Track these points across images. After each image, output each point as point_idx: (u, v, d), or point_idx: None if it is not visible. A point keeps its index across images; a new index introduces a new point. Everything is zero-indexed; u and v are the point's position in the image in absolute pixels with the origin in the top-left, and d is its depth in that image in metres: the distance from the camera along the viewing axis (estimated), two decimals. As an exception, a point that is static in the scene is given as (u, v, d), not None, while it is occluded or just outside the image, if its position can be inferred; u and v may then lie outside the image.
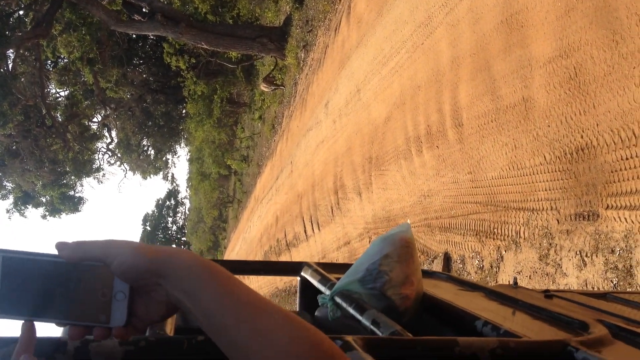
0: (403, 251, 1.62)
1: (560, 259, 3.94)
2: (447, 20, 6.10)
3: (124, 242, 0.82)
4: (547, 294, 1.87)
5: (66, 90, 25.38)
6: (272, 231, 18.62)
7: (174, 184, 62.12)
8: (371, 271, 1.60)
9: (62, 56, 22.80)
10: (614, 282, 3.45)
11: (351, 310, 1.51)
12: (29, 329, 0.81)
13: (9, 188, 23.48)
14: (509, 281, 2.95)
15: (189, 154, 47.30)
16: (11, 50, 18.11)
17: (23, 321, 0.81)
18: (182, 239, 62.99)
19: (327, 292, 1.71)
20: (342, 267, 2.17)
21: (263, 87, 19.11)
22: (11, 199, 23.82)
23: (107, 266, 0.80)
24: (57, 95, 26.26)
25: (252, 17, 22.03)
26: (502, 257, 4.75)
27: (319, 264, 2.15)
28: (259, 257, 20.58)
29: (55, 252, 0.81)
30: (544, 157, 4.16)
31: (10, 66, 18.85)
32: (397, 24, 7.72)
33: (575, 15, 3.89)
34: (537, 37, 4.34)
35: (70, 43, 19.55)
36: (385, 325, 1.34)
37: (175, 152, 41.32)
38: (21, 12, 20.06)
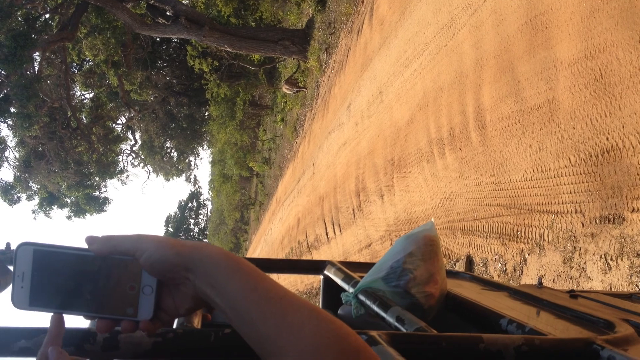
0: (427, 249, 1.62)
1: (585, 263, 3.90)
2: (470, 22, 6.07)
3: (152, 237, 0.83)
4: (572, 294, 1.86)
5: (91, 92, 25.71)
6: (293, 233, 18.65)
7: (197, 186, 62.65)
8: (395, 269, 1.60)
9: (87, 59, 23.10)
10: (640, 286, 3.41)
11: (375, 308, 1.52)
12: (58, 322, 0.83)
13: (35, 189, 23.79)
14: (532, 283, 2.93)
15: (211, 156, 47.67)
16: (37, 53, 18.36)
17: (52, 314, 0.83)
18: (204, 240, 63.35)
19: (351, 290, 1.72)
20: (365, 266, 2.18)
21: (285, 89, 19.17)
22: (37, 199, 24.13)
23: (135, 260, 0.82)
24: (82, 97, 26.62)
25: (275, 19, 22.12)
26: (525, 260, 4.72)
27: (342, 262, 2.16)
28: (283, 258, 20.58)
29: (85, 246, 0.83)
30: (569, 159, 4.12)
31: (36, 69, 19.11)
32: (419, 26, 7.70)
33: (601, 16, 3.86)
34: (562, 39, 4.30)
35: (96, 46, 19.80)
36: (409, 322, 1.34)
37: (197, 154, 41.64)
38: (47, 16, 20.34)
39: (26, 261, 0.80)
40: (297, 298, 0.78)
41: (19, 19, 17.30)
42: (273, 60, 21.86)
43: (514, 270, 4.87)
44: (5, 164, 21.63)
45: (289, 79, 18.80)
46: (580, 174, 3.99)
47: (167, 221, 67.14)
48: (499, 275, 5.12)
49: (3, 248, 1.51)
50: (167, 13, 16.70)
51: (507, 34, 5.20)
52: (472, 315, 1.54)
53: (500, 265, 5.13)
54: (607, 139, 3.72)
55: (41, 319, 0.88)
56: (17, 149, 22.20)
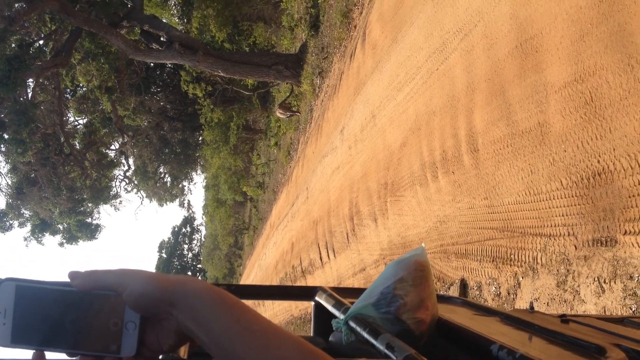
0: (418, 275, 1.60)
1: (578, 286, 3.88)
2: (461, 46, 6.13)
3: (135, 271, 0.82)
4: (564, 318, 1.84)
5: (84, 118, 25.75)
6: (287, 258, 18.59)
7: (190, 211, 62.49)
8: (385, 295, 1.59)
9: (80, 85, 23.18)
10: (633, 309, 3.39)
11: (365, 335, 1.50)
12: (39, 359, 0.82)
13: (27, 216, 23.70)
14: (525, 306, 2.91)
15: (205, 180, 47.66)
16: (31, 80, 18.41)
17: (34, 351, 0.81)
18: (198, 266, 63.08)
19: (341, 317, 1.70)
20: (356, 292, 2.16)
21: (279, 113, 19.25)
22: (29, 226, 24.03)
23: (118, 295, 0.80)
24: (76, 123, 26.64)
25: (268, 44, 22.30)
26: (519, 283, 4.70)
27: (333, 288, 2.14)
28: (274, 284, 20.50)
29: (68, 280, 0.82)
30: (561, 182, 4.13)
31: (30, 95, 19.15)
32: (411, 50, 7.76)
33: (590, 40, 3.89)
34: (552, 62, 4.34)
35: (89, 72, 19.87)
36: (399, 349, 1.32)
37: (191, 179, 41.66)
38: (41, 42, 20.44)
39: (8, 297, 0.79)
40: (281, 331, 0.78)
41: (13, 45, 17.38)
42: (267, 84, 21.99)
43: (508, 293, 4.85)
44: (-3, 190, 21.58)
45: (282, 104, 18.89)
46: (572, 196, 3.99)
47: (161, 247, 66.82)
48: (493, 299, 5.10)
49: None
50: (161, 39, 16.81)
51: (498, 58, 5.25)
52: (463, 341, 1.52)
53: (494, 288, 5.11)
54: (599, 161, 3.73)
55: (23, 355, 0.87)
56: (9, 175, 22.16)
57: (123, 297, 0.80)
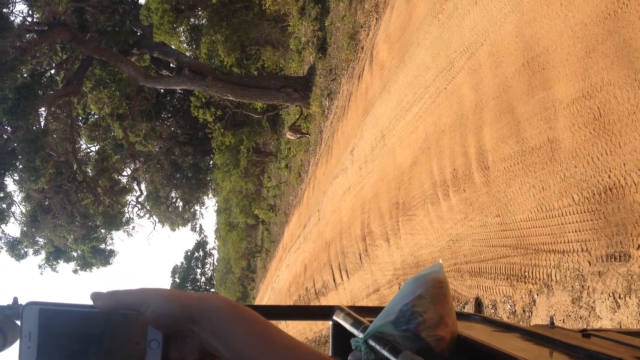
0: (436, 292, 1.63)
1: (594, 302, 3.87)
2: (468, 65, 6.17)
3: (156, 290, 0.83)
4: (585, 333, 1.85)
5: (96, 145, 25.95)
6: (300, 280, 18.53)
7: (202, 235, 62.50)
8: (404, 312, 1.61)
9: (92, 112, 23.41)
10: (651, 323, 3.39)
11: (385, 353, 1.51)
12: None
13: (41, 243, 23.79)
14: (544, 323, 2.91)
15: (216, 204, 47.74)
16: (43, 108, 18.61)
17: None
18: (211, 290, 62.86)
19: (360, 335, 1.71)
20: (374, 310, 2.18)
21: (289, 135, 19.33)
22: (43, 254, 24.10)
23: (140, 314, 0.82)
24: (88, 150, 26.86)
25: (277, 68, 22.46)
26: (534, 301, 4.69)
27: (351, 307, 2.16)
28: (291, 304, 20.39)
29: (90, 302, 0.83)
30: (572, 198, 4.14)
31: (42, 123, 19.34)
32: (419, 70, 7.82)
33: (596, 56, 3.93)
34: (559, 79, 4.37)
35: (101, 99, 20.08)
36: (420, 366, 1.34)
37: (203, 203, 41.77)
38: (53, 71, 20.69)
39: (32, 321, 0.80)
40: (302, 346, 0.79)
41: (25, 74, 17.60)
42: (276, 107, 22.11)
43: (524, 311, 4.83)
44: (12, 219, 21.69)
45: (292, 126, 18.97)
46: (585, 212, 4.00)
47: (174, 272, 66.75)
48: (508, 317, 5.08)
49: (10, 303, 1.52)
50: (171, 65, 17.00)
51: (505, 76, 5.29)
52: (484, 358, 1.53)
53: (509, 306, 5.10)
54: (609, 176, 3.75)
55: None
56: (23, 203, 22.30)
57: (145, 316, 0.81)
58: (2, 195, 18.10)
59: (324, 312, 2.30)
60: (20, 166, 17.56)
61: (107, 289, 0.85)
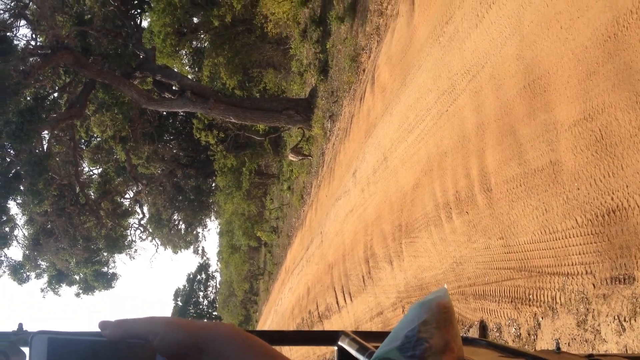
0: (441, 317, 1.62)
1: (599, 325, 3.85)
2: (470, 87, 6.21)
3: (163, 319, 0.83)
4: (592, 358, 1.84)
5: (99, 168, 26.03)
6: (303, 303, 18.46)
7: (205, 258, 62.28)
8: (410, 338, 1.60)
9: (95, 135, 23.51)
10: (657, 346, 3.37)
11: (392, 379, 1.50)
12: None
13: (44, 267, 23.74)
14: (548, 347, 2.90)
15: (219, 227, 47.68)
16: (46, 131, 18.70)
17: None
18: (214, 313, 62.52)
19: (366, 361, 1.70)
20: (379, 335, 2.17)
21: (291, 157, 19.38)
22: (45, 277, 24.05)
23: (148, 343, 0.81)
24: (91, 173, 26.93)
25: (279, 90, 22.59)
26: (539, 324, 4.67)
27: (355, 332, 2.15)
28: (295, 329, 20.30)
29: (98, 330, 0.83)
30: (576, 220, 4.14)
31: (45, 146, 19.43)
32: (420, 92, 7.86)
33: (597, 79, 3.96)
34: (561, 101, 4.40)
35: (103, 122, 20.18)
36: (426, 393, 1.33)
37: (205, 226, 41.66)
38: (55, 94, 20.83)
39: (41, 351, 0.80)
40: None
41: (28, 97, 17.71)
42: (278, 129, 22.20)
43: (529, 334, 4.81)
44: (15, 242, 21.68)
45: (294, 148, 19.04)
46: (588, 234, 3.99)
47: (176, 295, 66.41)
48: (513, 340, 5.05)
49: (15, 329, 1.52)
50: (173, 87, 17.11)
51: (507, 98, 5.31)
52: (489, 384, 1.53)
53: (514, 330, 5.07)
54: (612, 198, 3.75)
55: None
56: (26, 227, 22.30)
57: (153, 345, 0.81)
58: (5, 219, 18.09)
59: (329, 338, 2.29)
60: (23, 189, 17.59)
61: (115, 318, 0.85)
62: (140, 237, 31.72)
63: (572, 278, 4.18)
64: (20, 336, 1.47)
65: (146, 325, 0.82)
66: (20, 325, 1.49)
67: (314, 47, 16.62)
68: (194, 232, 40.47)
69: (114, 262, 26.85)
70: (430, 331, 1.61)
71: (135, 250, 29.60)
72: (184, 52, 23.58)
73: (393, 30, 9.77)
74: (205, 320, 0.85)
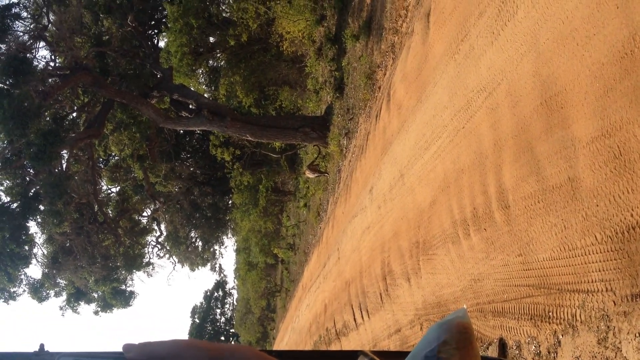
0: (461, 337, 1.62)
1: (620, 342, 3.81)
2: (486, 104, 6.21)
3: (187, 342, 0.85)
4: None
5: (117, 186, 26.26)
6: (321, 320, 18.39)
7: (222, 275, 62.39)
8: (429, 359, 1.61)
9: (113, 154, 23.75)
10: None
11: (412, 400, 1.51)
12: None
13: (62, 285, 23.91)
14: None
15: (235, 244, 47.76)
16: (65, 151, 18.92)
17: None
18: (231, 330, 62.47)
19: (386, 382, 1.71)
20: (398, 355, 2.17)
21: (307, 174, 19.43)
22: (64, 295, 24.20)
23: None
24: (109, 191, 27.16)
25: (294, 107, 22.70)
26: (559, 341, 4.62)
27: (374, 352, 2.15)
28: (308, 348, 20.22)
29: (121, 351, 0.85)
30: (595, 237, 4.11)
31: (64, 166, 19.65)
32: (436, 109, 7.87)
33: (615, 95, 3.95)
34: (578, 118, 4.39)
35: (121, 141, 20.40)
36: (447, 414, 1.33)
37: (222, 243, 41.77)
38: (74, 114, 21.10)
39: None
40: None
41: (48, 118, 17.96)
42: (294, 147, 22.29)
43: (548, 352, 4.76)
44: (34, 260, 21.87)
45: (310, 165, 19.09)
46: (608, 251, 3.96)
47: (194, 312, 66.48)
48: (533, 358, 5.00)
49: (37, 349, 1.53)
50: (190, 106, 17.28)
51: (524, 115, 5.31)
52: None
53: (534, 347, 5.02)
54: (632, 215, 3.72)
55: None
56: (45, 245, 22.51)
57: None
58: (24, 238, 18.27)
59: (348, 357, 2.29)
60: (43, 209, 17.78)
61: (138, 341, 0.86)
62: (158, 255, 31.89)
63: (592, 295, 4.14)
64: (41, 357, 1.48)
65: (169, 347, 0.83)
66: (42, 345, 1.50)
67: (330, 65, 16.72)
68: (211, 250, 40.59)
69: (132, 279, 27.01)
70: (450, 352, 1.61)
71: (153, 267, 29.75)
72: (200, 71, 23.79)
73: (408, 48, 9.81)
74: (227, 343, 0.87)
